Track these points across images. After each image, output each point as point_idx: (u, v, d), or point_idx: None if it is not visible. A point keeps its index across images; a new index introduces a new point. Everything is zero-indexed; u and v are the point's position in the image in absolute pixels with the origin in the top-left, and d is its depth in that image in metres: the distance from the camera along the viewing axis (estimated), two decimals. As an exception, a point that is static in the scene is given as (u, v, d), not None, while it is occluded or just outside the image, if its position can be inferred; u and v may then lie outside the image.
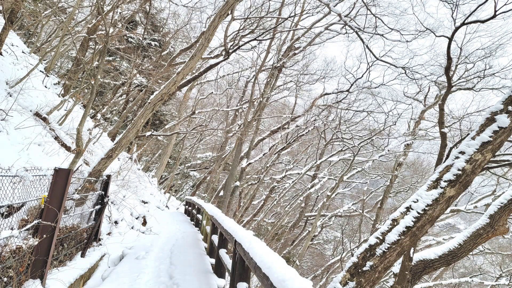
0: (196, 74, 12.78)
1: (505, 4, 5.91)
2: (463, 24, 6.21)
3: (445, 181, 3.90)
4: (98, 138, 11.65)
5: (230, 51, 11.80)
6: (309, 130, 23.45)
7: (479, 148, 3.87)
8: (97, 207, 6.32)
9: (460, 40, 26.11)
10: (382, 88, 20.07)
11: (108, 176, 6.87)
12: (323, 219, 23.32)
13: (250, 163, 22.82)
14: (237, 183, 20.48)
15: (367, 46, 11.05)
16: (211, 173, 28.60)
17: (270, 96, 22.28)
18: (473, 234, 5.38)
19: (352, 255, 6.08)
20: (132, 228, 8.81)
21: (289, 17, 17.47)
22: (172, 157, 27.10)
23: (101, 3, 10.08)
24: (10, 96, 7.30)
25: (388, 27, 11.32)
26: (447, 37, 6.56)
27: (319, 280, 22.09)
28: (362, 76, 19.38)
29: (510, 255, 18.81)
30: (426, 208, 3.83)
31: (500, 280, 15.50)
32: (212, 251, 7.29)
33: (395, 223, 3.92)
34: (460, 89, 12.33)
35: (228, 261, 5.21)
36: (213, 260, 6.78)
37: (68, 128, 9.38)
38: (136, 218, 9.70)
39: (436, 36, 7.39)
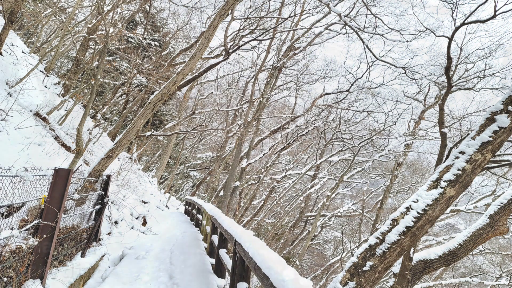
0: (196, 74, 12.77)
1: (505, 4, 5.92)
2: (463, 24, 6.21)
3: (445, 181, 3.90)
4: (98, 138, 11.66)
5: (230, 51, 11.79)
6: (309, 130, 23.46)
7: (479, 148, 3.87)
8: (97, 207, 6.32)
9: (460, 40, 26.09)
10: (382, 88, 20.03)
11: (108, 176, 6.88)
12: (323, 219, 23.33)
13: (250, 163, 22.82)
14: (237, 183, 20.48)
15: (367, 46, 11.06)
16: (211, 173, 28.61)
17: (270, 96, 22.27)
18: (473, 234, 5.38)
19: (352, 255, 6.08)
20: (132, 228, 8.82)
21: (289, 17, 17.47)
22: (172, 157, 27.10)
23: (101, 3, 10.08)
24: (10, 96, 7.30)
25: (388, 27, 11.32)
26: (447, 37, 6.57)
27: (319, 280, 22.09)
28: (362, 76, 19.34)
29: (510, 255, 18.82)
30: (426, 208, 3.83)
31: (500, 280, 15.52)
32: (212, 251, 7.29)
33: (395, 223, 3.93)
34: (460, 89, 12.30)
35: (228, 261, 5.21)
36: (213, 260, 6.77)
37: (68, 128, 9.39)
38: (136, 218, 9.70)
39: (436, 36, 7.39)
